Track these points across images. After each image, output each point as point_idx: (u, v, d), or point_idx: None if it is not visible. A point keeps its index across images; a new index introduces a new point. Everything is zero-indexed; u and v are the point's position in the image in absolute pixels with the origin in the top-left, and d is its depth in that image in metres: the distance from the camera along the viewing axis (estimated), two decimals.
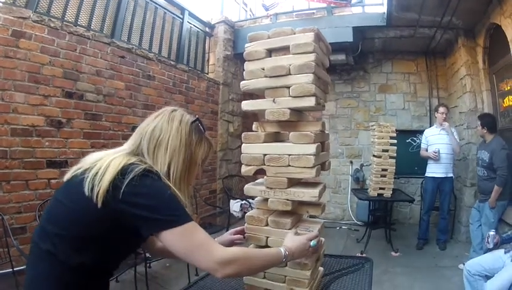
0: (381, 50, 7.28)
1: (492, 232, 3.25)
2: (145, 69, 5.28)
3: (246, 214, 1.85)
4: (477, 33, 5.77)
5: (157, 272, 4.60)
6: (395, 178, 5.66)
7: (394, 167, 5.45)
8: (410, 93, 7.23)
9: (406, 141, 6.93)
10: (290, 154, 1.65)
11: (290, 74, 1.66)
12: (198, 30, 7.18)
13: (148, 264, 4.33)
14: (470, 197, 5.75)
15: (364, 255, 5.21)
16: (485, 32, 5.46)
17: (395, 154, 5.45)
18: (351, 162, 7.54)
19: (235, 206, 6.65)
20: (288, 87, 1.67)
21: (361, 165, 7.37)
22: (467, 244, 5.39)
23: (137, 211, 1.17)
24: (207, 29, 7.43)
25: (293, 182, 1.76)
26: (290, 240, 1.54)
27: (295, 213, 1.82)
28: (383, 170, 5.46)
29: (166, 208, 1.20)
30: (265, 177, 1.74)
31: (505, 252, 3.19)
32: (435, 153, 5.45)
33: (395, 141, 5.47)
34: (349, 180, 7.53)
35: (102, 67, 4.55)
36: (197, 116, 1.47)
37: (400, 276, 4.67)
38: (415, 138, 6.92)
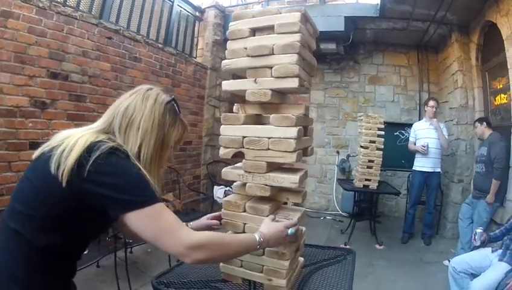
0: (372, 41, 7.20)
1: (479, 230, 3.22)
2: (132, 51, 5.17)
3: (223, 199, 1.78)
4: (472, 30, 5.71)
5: (139, 258, 4.53)
6: (381, 170, 5.62)
7: (381, 159, 5.40)
8: (401, 86, 7.18)
9: (394, 133, 6.88)
10: (270, 138, 1.58)
11: (274, 54, 1.59)
12: (188, 14, 7.06)
13: (129, 249, 4.26)
14: (457, 194, 5.74)
15: (348, 246, 5.25)
16: (479, 30, 5.41)
17: (382, 146, 5.40)
18: (338, 152, 7.49)
19: (219, 192, 6.56)
20: (271, 68, 1.59)
21: (348, 156, 7.33)
22: (452, 241, 5.41)
23: (102, 191, 1.11)
24: (197, 13, 7.30)
25: (273, 167, 1.69)
26: (266, 226, 1.48)
27: (275, 200, 1.76)
28: (370, 161, 5.41)
29: (133, 188, 1.14)
30: (243, 160, 1.67)
31: (492, 251, 3.17)
32: (424, 147, 5.41)
33: (383, 133, 5.42)
34: (335, 170, 7.49)
35: (88, 48, 4.45)
36: (173, 96, 1.41)
37: (383, 269, 4.65)
38: (403, 131, 6.87)
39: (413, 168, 5.73)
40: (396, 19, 6.11)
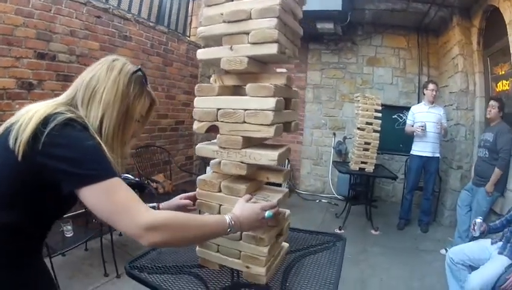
0: (371, 22, 6.99)
1: (479, 220, 3.11)
2: (122, 30, 5.07)
3: (198, 178, 1.64)
4: (473, 14, 5.51)
5: (127, 241, 4.40)
6: (378, 153, 5.49)
7: (378, 142, 5.27)
8: (399, 68, 7.01)
9: (392, 116, 6.75)
10: (246, 109, 1.43)
11: (251, 19, 1.44)
12: None
13: (119, 233, 4.15)
14: (456, 180, 5.60)
15: (342, 231, 5.20)
16: (481, 14, 5.22)
17: (379, 128, 5.26)
18: (334, 134, 7.34)
19: None
20: (248, 33, 1.44)
21: (344, 138, 7.18)
22: (450, 229, 5.30)
23: (56, 164, 1.04)
24: None
25: (251, 143, 1.55)
26: (240, 207, 1.35)
27: (254, 179, 1.62)
28: (366, 143, 5.27)
29: (86, 161, 1.06)
30: (218, 135, 1.53)
31: (492, 243, 3.04)
32: (422, 127, 5.23)
33: (380, 115, 5.28)
34: (331, 152, 7.33)
35: (76, 28, 4.38)
36: (139, 66, 1.31)
37: (377, 256, 4.54)
38: (401, 114, 6.74)
39: (411, 152, 5.56)
40: (396, 0, 5.93)
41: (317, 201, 7.11)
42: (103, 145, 1.12)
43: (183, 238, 1.15)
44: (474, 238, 3.24)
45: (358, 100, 5.38)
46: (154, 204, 1.70)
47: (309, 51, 7.37)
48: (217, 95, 1.53)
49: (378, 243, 4.97)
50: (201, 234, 1.22)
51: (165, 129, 6.07)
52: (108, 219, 1.05)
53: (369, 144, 5.26)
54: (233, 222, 1.26)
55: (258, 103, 1.41)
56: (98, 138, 1.12)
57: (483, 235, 3.10)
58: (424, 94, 5.60)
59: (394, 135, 6.55)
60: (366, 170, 5.35)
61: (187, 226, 1.14)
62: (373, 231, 5.36)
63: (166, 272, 1.72)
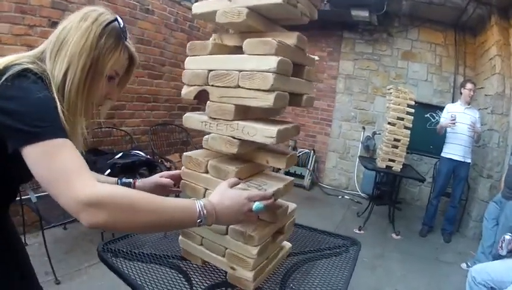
0: (408, 14, 6.60)
1: (508, 236, 2.76)
2: (144, 3, 4.84)
3: (183, 154, 1.37)
4: None
5: None
6: (407, 153, 5.12)
7: (408, 139, 4.90)
8: (435, 65, 6.59)
9: (425, 115, 6.33)
10: (241, 70, 1.15)
11: None
12: None
13: None
14: (485, 190, 5.16)
15: (361, 231, 4.95)
16: None
17: (410, 125, 4.89)
18: (363, 128, 7.01)
19: None
20: None
21: (374, 133, 6.81)
22: (473, 242, 4.90)
23: (2, 118, 0.89)
24: None
25: (248, 116, 1.26)
26: (220, 193, 1.07)
27: (250, 161, 1.34)
28: (396, 140, 4.91)
29: (31, 116, 0.89)
30: (208, 103, 1.25)
31: None
32: (453, 119, 4.80)
33: (413, 111, 4.91)
34: (359, 147, 7.00)
35: None
36: (117, 16, 1.13)
37: (395, 263, 4.23)
38: (434, 114, 6.32)
39: (442, 155, 5.16)
40: None
41: (340, 197, 6.81)
42: (57, 100, 0.96)
43: (132, 223, 0.89)
44: (499, 257, 2.87)
45: (391, 93, 5.02)
46: (130, 180, 1.46)
47: (343, 40, 7.05)
48: (209, 54, 1.25)
49: (398, 248, 4.66)
50: (157, 221, 0.93)
51: (186, 108, 5.77)
52: (46, 185, 0.85)
53: (398, 140, 4.91)
54: (205, 211, 0.99)
55: (256, 62, 1.11)
56: (53, 92, 0.97)
57: (510, 254, 2.76)
58: (460, 93, 5.19)
59: (425, 135, 6.14)
60: (393, 168, 5.00)
61: (139, 208, 0.88)
62: (394, 235, 5.05)
63: (144, 260, 1.49)
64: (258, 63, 1.10)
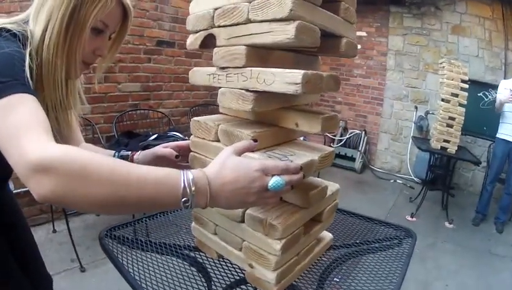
0: None
1: None
2: None
3: (192, 119, 1.10)
4: None
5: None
6: (461, 134, 4.73)
7: (463, 118, 4.49)
8: (485, 40, 6.08)
9: (477, 94, 5.83)
10: (250, 0, 0.85)
11: None
12: None
13: None
14: None
15: (414, 219, 4.68)
16: None
17: (465, 102, 4.47)
18: (416, 108, 6.60)
19: None
20: None
21: (427, 113, 6.38)
22: None
23: None
24: None
25: (264, 62, 0.94)
26: (220, 163, 0.77)
27: (273, 125, 1.03)
28: (450, 118, 4.51)
29: None
30: (214, 49, 0.96)
31: None
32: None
33: (467, 86, 4.49)
34: (412, 128, 6.62)
35: None
36: None
37: (447, 255, 3.89)
38: (487, 93, 5.84)
39: (497, 136, 4.69)
40: None
41: (392, 181, 6.47)
42: (27, 56, 0.86)
43: (84, 196, 0.63)
44: None
45: (443, 67, 4.61)
46: (129, 152, 1.24)
47: (390, 14, 6.66)
48: None
49: (451, 239, 4.29)
50: (119, 195, 0.65)
51: None
52: (2, 150, 0.69)
53: (453, 119, 4.50)
54: (193, 187, 0.70)
55: None
56: (26, 48, 0.88)
57: None
58: None
59: (479, 115, 5.68)
60: (448, 149, 4.61)
61: (93, 176, 0.63)
62: (447, 223, 4.68)
63: (151, 249, 1.27)
64: None
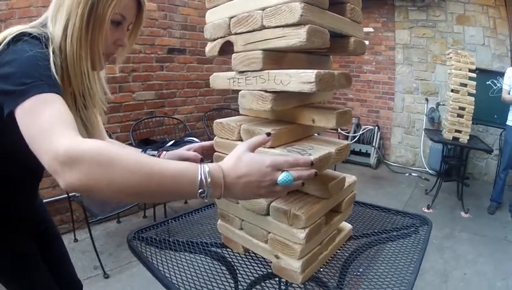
0: None
1: None
2: None
3: (215, 121, 1.17)
4: None
5: (190, 207, 4.12)
6: (472, 123, 4.70)
7: (473, 107, 4.48)
8: (490, 28, 6.04)
9: (486, 82, 5.80)
10: (264, 8, 0.93)
11: None
12: None
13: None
14: None
15: (430, 210, 4.66)
16: None
17: (474, 91, 4.47)
18: (427, 100, 6.60)
19: None
20: None
21: (438, 104, 6.39)
22: None
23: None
24: None
25: (280, 63, 1.02)
26: (235, 158, 0.83)
27: (291, 123, 1.11)
28: (460, 108, 4.51)
29: (18, 75, 0.82)
30: (233, 55, 1.04)
31: None
32: None
33: (475, 75, 4.49)
34: (424, 120, 6.62)
35: None
36: None
37: (465, 244, 3.89)
38: (495, 81, 5.81)
39: (507, 123, 4.66)
40: None
41: (407, 174, 6.47)
42: (50, 55, 0.89)
43: (109, 184, 0.69)
44: None
45: (451, 57, 4.62)
46: (155, 152, 1.33)
47: (395, 8, 6.67)
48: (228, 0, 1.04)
49: (468, 228, 4.29)
50: (141, 184, 0.72)
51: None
52: (31, 146, 0.74)
53: (463, 109, 4.50)
54: (209, 179, 0.76)
55: None
56: (45, 49, 0.91)
57: None
58: None
59: (488, 103, 5.64)
60: (460, 139, 4.62)
61: (117, 165, 0.69)
62: (463, 213, 4.67)
63: (179, 249, 1.32)
64: None
